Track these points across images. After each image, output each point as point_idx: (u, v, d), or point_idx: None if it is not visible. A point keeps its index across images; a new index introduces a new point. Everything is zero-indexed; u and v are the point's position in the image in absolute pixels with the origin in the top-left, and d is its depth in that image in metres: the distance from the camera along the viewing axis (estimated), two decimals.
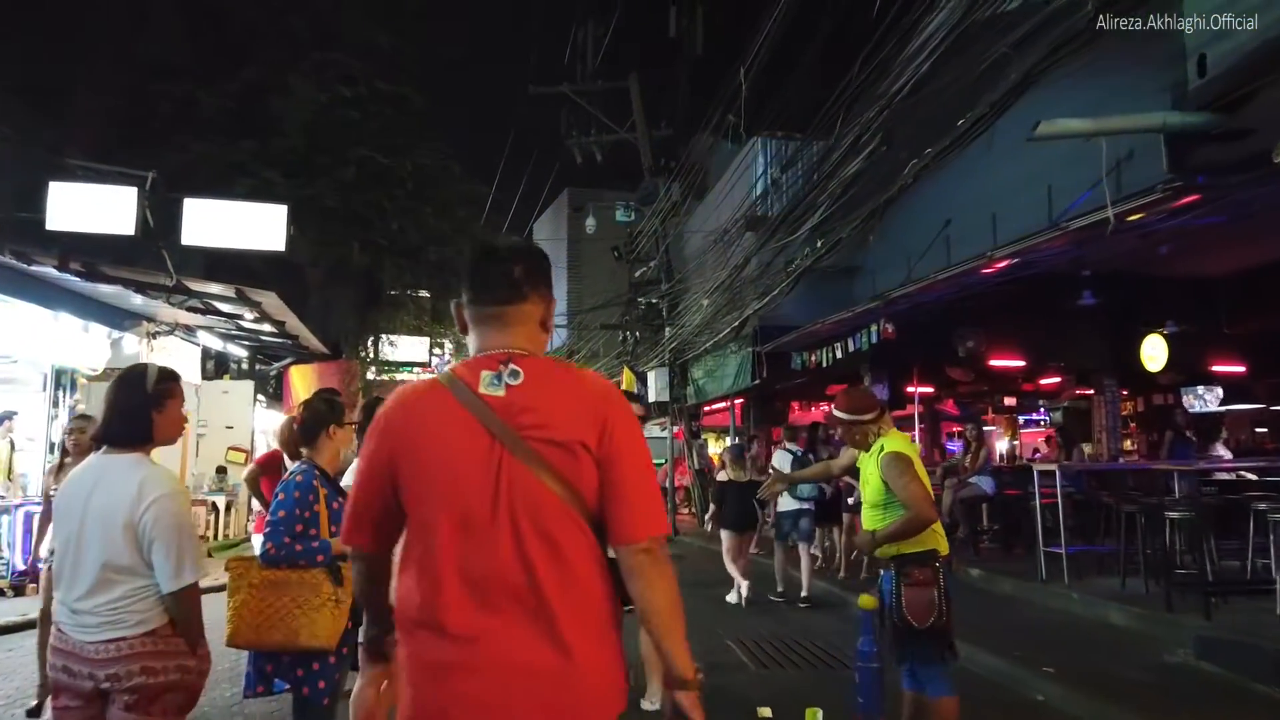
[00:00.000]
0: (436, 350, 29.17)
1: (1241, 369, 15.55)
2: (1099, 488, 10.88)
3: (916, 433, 17.48)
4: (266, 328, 15.02)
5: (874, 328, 11.04)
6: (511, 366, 1.81)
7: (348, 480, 4.03)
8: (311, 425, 3.44)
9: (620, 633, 1.85)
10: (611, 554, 1.85)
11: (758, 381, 14.70)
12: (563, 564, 1.74)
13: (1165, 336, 13.26)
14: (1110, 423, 15.79)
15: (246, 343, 17.13)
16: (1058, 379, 17.13)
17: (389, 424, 1.84)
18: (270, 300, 13.03)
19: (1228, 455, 12.30)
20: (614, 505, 1.80)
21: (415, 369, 28.22)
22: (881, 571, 3.94)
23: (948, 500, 10.95)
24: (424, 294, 25.28)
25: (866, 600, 3.92)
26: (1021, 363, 14.99)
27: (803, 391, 19.63)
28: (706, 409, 21.19)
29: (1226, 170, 5.42)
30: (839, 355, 12.26)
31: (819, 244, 9.63)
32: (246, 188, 15.93)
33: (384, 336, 25.71)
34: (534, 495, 1.74)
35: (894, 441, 3.97)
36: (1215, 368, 15.71)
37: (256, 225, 12.73)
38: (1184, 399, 17.51)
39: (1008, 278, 9.56)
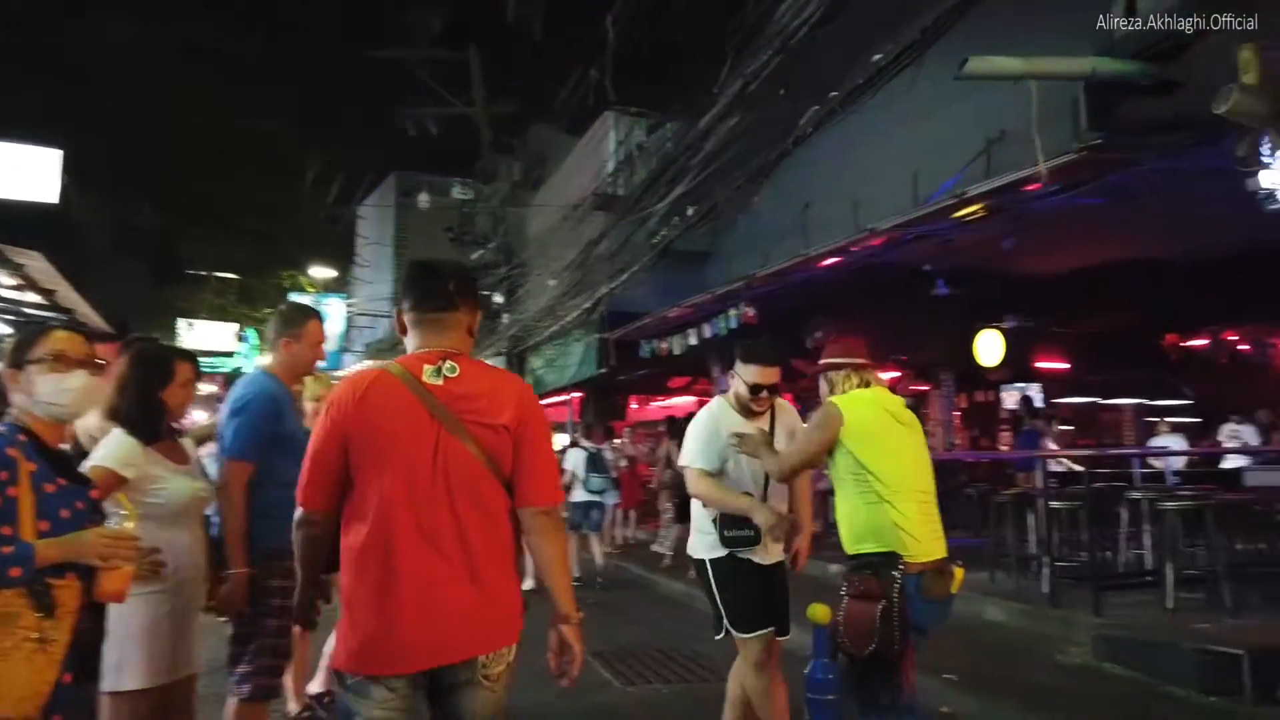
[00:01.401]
0: (261, 344, 26.49)
1: (1065, 366, 16.19)
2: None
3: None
4: (32, 298, 12.75)
5: (734, 312, 10.41)
6: (449, 363, 2.23)
7: (115, 453, 2.84)
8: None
9: (517, 571, 2.31)
10: None
11: (604, 370, 13.84)
12: (485, 517, 2.20)
13: (1003, 332, 13.52)
14: (945, 417, 16.08)
15: (9, 317, 14.61)
16: (897, 373, 17.28)
17: (344, 402, 2.21)
18: (36, 263, 10.95)
19: (1055, 447, 12.66)
20: (526, 477, 2.26)
21: (220, 358, 25.43)
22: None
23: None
24: (231, 276, 22.87)
25: (819, 611, 3.05)
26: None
27: (645, 385, 18.95)
28: (543, 402, 20.16)
29: (1149, 130, 4.99)
30: (693, 342, 11.58)
31: (689, 212, 8.86)
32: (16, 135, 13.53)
33: (184, 319, 23.11)
34: (465, 463, 2.18)
35: (847, 397, 3.22)
36: (1040, 364, 16.29)
37: (20, 171, 10.74)
38: (1002, 394, 18.20)
39: (875, 257, 9.14)
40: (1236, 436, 12.20)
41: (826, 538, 6.37)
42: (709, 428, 3.75)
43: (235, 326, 24.72)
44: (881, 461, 3.08)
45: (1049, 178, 5.09)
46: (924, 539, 3.05)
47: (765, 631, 3.58)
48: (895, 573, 2.98)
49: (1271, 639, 4.73)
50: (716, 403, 3.84)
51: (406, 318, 2.34)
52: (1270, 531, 6.17)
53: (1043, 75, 4.60)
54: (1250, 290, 12.35)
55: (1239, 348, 15.52)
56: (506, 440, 2.23)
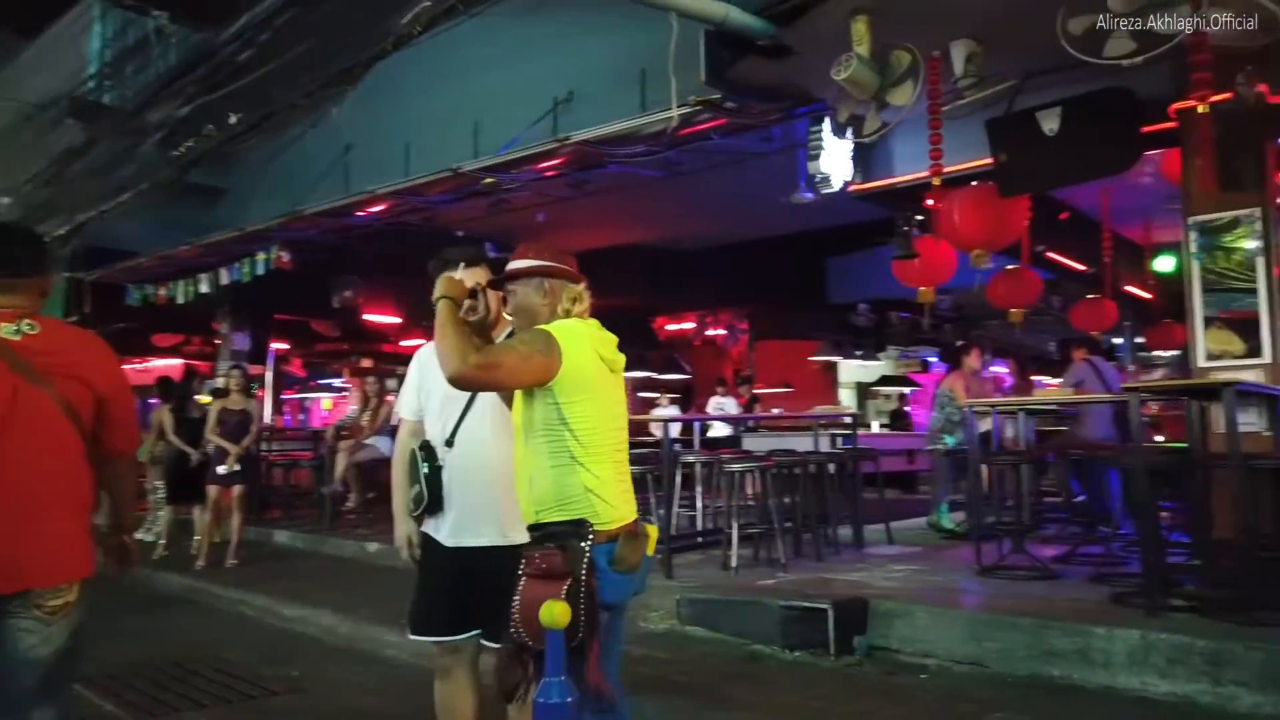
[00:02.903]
0: None
1: None
2: None
3: (269, 395, 15.40)
4: None
5: (263, 256, 8.94)
6: (28, 321, 2.39)
7: None
8: None
9: (91, 514, 2.53)
10: None
11: (74, 320, 11.13)
12: (61, 463, 2.41)
13: None
14: None
15: None
16: (422, 340, 16.72)
17: None
18: None
19: None
20: (107, 427, 2.51)
21: None
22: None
23: (342, 465, 9.46)
24: None
25: (555, 611, 2.26)
26: (398, 320, 14.18)
27: (123, 342, 15.88)
28: None
29: (758, 94, 5.00)
30: (205, 289, 9.76)
31: (233, 120, 7.14)
32: None
33: None
34: (43, 412, 2.37)
35: (568, 333, 2.48)
36: None
37: None
38: None
39: (433, 206, 8.45)
40: (721, 408, 13.69)
41: None
42: (419, 361, 2.98)
43: None
44: (587, 419, 2.43)
45: (679, 124, 4.88)
46: (616, 502, 2.48)
47: (434, 639, 2.88)
48: (584, 544, 2.39)
49: (849, 592, 5.07)
50: None
51: None
52: (797, 489, 6.79)
53: (683, 11, 4.32)
54: (729, 278, 14.16)
55: (712, 331, 17.71)
56: (87, 392, 2.43)
